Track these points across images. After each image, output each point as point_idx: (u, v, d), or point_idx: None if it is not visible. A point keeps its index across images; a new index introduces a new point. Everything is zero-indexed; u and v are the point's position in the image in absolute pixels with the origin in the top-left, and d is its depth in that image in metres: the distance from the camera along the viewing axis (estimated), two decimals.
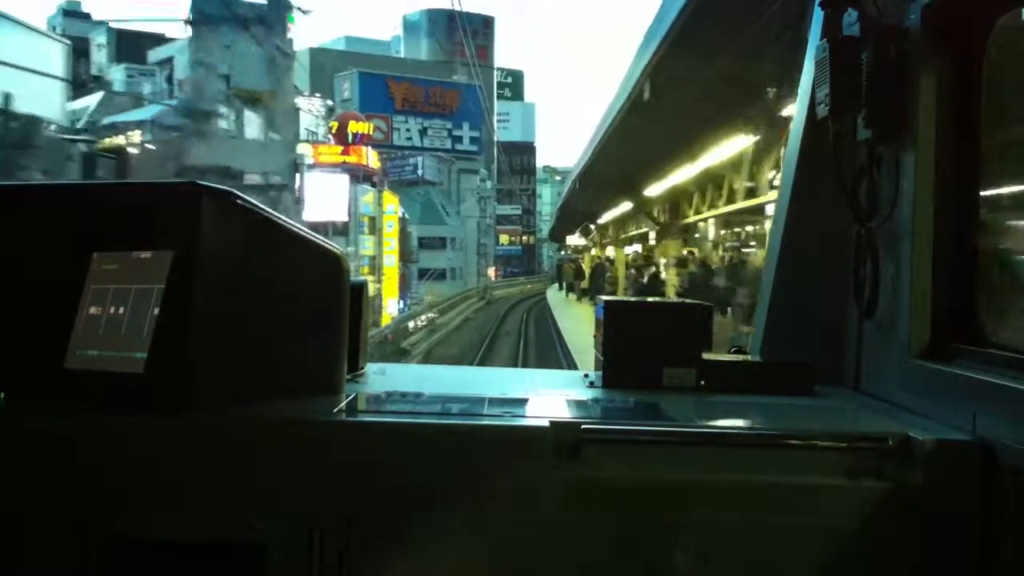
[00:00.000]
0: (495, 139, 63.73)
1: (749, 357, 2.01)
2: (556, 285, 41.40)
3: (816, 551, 1.36)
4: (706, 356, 1.80)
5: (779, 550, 1.36)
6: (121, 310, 1.40)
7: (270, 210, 1.51)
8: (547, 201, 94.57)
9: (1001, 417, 1.32)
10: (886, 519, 1.34)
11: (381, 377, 1.89)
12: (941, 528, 1.34)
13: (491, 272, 62.83)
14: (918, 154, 1.58)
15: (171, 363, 1.35)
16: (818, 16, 1.81)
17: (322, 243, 1.59)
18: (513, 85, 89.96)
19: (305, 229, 1.58)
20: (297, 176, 32.54)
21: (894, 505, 1.35)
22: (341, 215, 34.16)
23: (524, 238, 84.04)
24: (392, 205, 40.08)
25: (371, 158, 39.27)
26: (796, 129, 2.00)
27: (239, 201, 1.44)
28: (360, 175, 37.88)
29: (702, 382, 1.77)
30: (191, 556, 1.35)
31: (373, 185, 39.81)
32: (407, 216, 45.85)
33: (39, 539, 1.34)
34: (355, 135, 38.93)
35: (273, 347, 1.48)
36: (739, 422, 1.65)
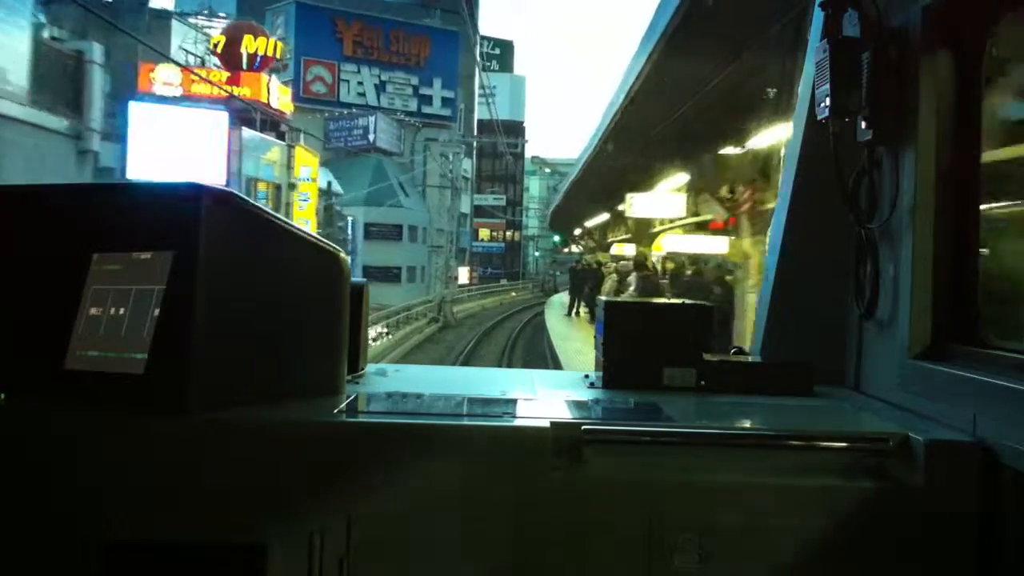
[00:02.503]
0: (481, 101, 49.87)
1: (749, 357, 2.00)
2: (567, 302, 23.71)
3: (816, 551, 1.35)
4: (706, 356, 1.79)
5: (779, 550, 1.36)
6: (121, 311, 1.40)
7: (271, 211, 1.50)
8: (535, 194, 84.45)
9: (1001, 417, 1.32)
10: (886, 519, 1.35)
11: (381, 378, 1.89)
12: (941, 528, 1.34)
13: (464, 273, 49.08)
14: (918, 154, 1.58)
15: (171, 364, 1.34)
16: (818, 17, 1.79)
17: (322, 243, 1.59)
18: (500, 57, 76.14)
19: (305, 230, 1.57)
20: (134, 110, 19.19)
21: (894, 505, 1.35)
22: (214, 175, 20.58)
23: (508, 234, 71.39)
24: (309, 169, 26.31)
25: (277, 95, 25.41)
26: (796, 129, 2.00)
27: (239, 202, 1.44)
28: (257, 118, 24.05)
29: (702, 382, 1.77)
30: (191, 557, 1.34)
31: (282, 137, 25.98)
32: (339, 191, 32.02)
33: (39, 539, 1.34)
34: (254, 57, 25.13)
35: (273, 348, 1.47)
36: (739, 422, 1.63)
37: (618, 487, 1.36)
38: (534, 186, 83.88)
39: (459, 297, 37.63)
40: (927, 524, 1.33)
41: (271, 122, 25.61)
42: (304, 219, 25.99)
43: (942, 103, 1.56)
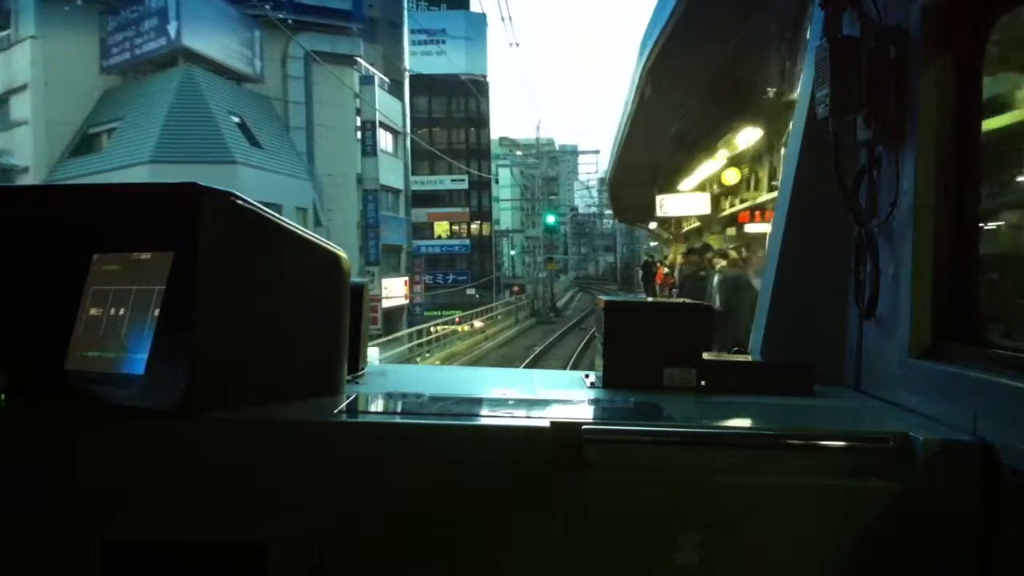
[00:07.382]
0: None
1: (749, 357, 2.00)
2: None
3: (816, 551, 1.35)
4: (706, 356, 1.78)
5: (779, 550, 1.36)
6: (122, 311, 1.40)
7: (270, 211, 1.51)
8: (506, 183, 64.97)
9: (1001, 417, 1.31)
10: (886, 519, 1.34)
11: (381, 378, 1.88)
12: (941, 528, 1.34)
13: (399, 287, 29.87)
14: (918, 154, 1.58)
15: (171, 364, 1.34)
16: (818, 16, 1.80)
17: (322, 243, 1.58)
18: None
19: (305, 229, 1.57)
20: None
21: (894, 505, 1.35)
22: None
23: (474, 227, 52.39)
24: None
25: None
26: (796, 129, 1.99)
27: (239, 201, 1.44)
28: None
29: (702, 382, 1.76)
30: (191, 557, 1.34)
31: None
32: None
33: (39, 540, 1.34)
34: None
35: (273, 348, 1.47)
36: (739, 422, 1.63)
37: (618, 487, 1.37)
38: (504, 176, 64.73)
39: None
40: (927, 524, 1.33)
41: None
42: None
43: (941, 102, 1.56)
